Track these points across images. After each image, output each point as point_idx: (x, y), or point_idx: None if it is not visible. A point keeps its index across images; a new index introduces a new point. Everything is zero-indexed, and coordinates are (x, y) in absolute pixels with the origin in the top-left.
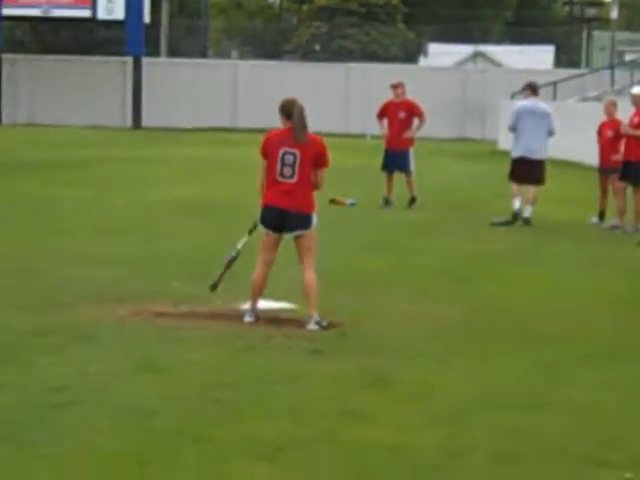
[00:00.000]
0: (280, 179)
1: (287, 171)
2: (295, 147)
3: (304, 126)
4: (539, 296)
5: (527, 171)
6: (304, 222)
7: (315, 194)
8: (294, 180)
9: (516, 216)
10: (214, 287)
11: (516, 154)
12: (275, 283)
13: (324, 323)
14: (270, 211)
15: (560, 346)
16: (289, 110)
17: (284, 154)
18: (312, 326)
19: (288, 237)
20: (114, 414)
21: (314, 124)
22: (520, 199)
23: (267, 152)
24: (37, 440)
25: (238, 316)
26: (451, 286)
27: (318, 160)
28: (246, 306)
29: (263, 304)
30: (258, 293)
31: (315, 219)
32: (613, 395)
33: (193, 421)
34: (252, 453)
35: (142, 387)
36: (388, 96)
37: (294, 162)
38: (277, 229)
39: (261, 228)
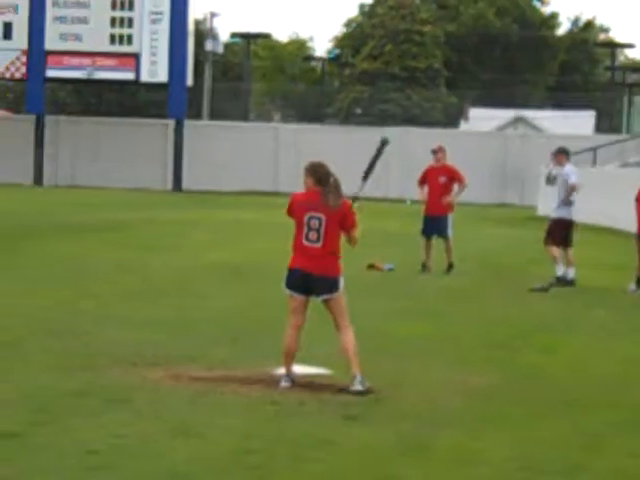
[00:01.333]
0: (306, 243)
1: (312, 235)
2: (320, 211)
3: (340, 194)
4: (578, 363)
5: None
6: (330, 286)
7: (351, 258)
8: (319, 244)
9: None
10: None
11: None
12: (310, 348)
13: (367, 384)
14: (294, 274)
15: (599, 413)
16: (322, 176)
17: (310, 218)
18: (357, 387)
19: (318, 302)
20: (146, 479)
21: (354, 188)
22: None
23: (293, 215)
24: None
25: (272, 381)
26: (489, 353)
27: (344, 223)
28: (281, 371)
29: (298, 369)
30: (291, 358)
31: (342, 282)
32: None
33: None
34: None
35: (175, 452)
36: (428, 160)
37: (319, 226)
38: (302, 291)
39: (286, 291)
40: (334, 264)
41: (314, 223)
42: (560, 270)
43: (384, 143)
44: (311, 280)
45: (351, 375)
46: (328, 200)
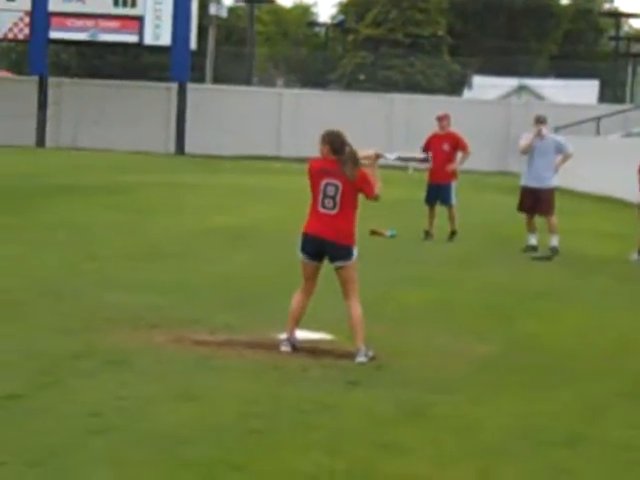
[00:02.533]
0: (322, 210)
1: (328, 202)
2: (337, 178)
3: (357, 164)
4: (579, 333)
5: None
6: (344, 254)
7: (356, 225)
8: (335, 211)
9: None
10: None
11: None
12: (314, 313)
13: (371, 354)
14: (309, 239)
15: (599, 383)
16: (338, 145)
17: (326, 185)
18: (361, 358)
19: (329, 268)
20: (148, 442)
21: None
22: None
23: (311, 181)
24: (70, 466)
25: (276, 345)
26: (489, 321)
27: (362, 189)
28: (283, 336)
29: (301, 334)
30: (295, 322)
31: (356, 252)
32: None
33: (227, 451)
34: None
35: (177, 415)
36: (431, 127)
37: (335, 194)
38: (316, 257)
39: (300, 256)
40: (349, 232)
41: (330, 190)
42: (557, 239)
43: (425, 159)
44: (325, 246)
45: (355, 347)
46: (345, 171)
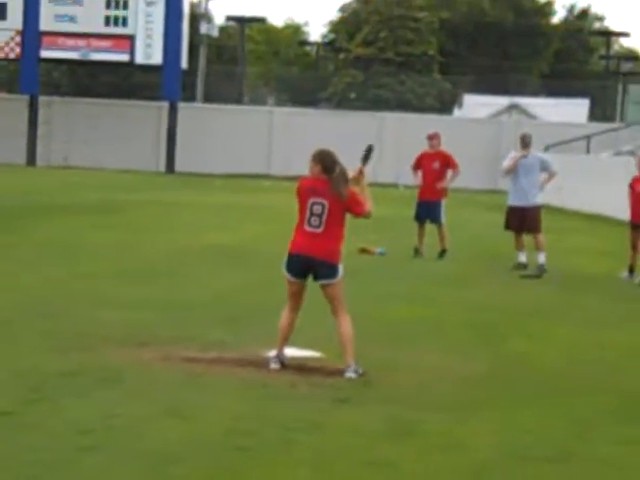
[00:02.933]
0: (308, 228)
1: (315, 220)
2: (325, 197)
3: (347, 182)
4: (567, 350)
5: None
6: (329, 272)
7: (343, 243)
8: (321, 230)
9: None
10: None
11: None
12: (303, 329)
13: (360, 371)
14: (294, 258)
15: (587, 400)
16: (329, 165)
17: (313, 204)
18: (350, 374)
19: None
20: (137, 459)
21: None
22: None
23: (299, 199)
24: None
25: (265, 363)
26: (478, 339)
27: (350, 209)
28: (272, 353)
29: (290, 352)
30: (284, 340)
31: (341, 270)
32: (638, 451)
33: (215, 468)
34: None
35: (166, 432)
36: (421, 146)
37: (322, 212)
38: (301, 275)
39: (285, 274)
40: (334, 250)
41: (317, 209)
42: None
43: (370, 150)
44: (311, 264)
45: (345, 364)
46: (337, 190)
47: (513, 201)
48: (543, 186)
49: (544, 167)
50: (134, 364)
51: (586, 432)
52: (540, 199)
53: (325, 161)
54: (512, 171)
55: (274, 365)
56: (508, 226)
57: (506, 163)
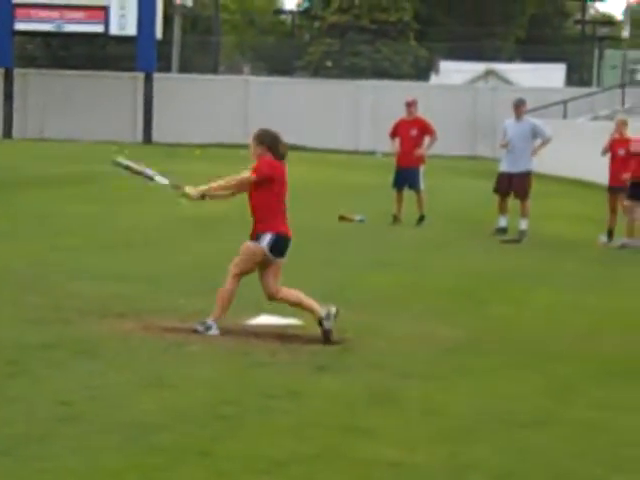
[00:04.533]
0: (283, 208)
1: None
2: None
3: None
4: (548, 315)
5: None
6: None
7: (322, 210)
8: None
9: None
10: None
11: None
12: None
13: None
14: (287, 242)
15: (568, 365)
16: (273, 143)
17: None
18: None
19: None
20: (118, 429)
21: (324, 141)
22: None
23: (276, 179)
24: (39, 455)
25: (245, 332)
26: (459, 305)
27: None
28: (253, 321)
29: (270, 319)
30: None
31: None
32: (620, 415)
33: (196, 437)
34: (255, 469)
35: (147, 402)
36: (398, 113)
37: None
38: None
39: (269, 255)
40: None
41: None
42: (526, 222)
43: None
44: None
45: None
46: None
47: (504, 167)
48: (536, 152)
49: (537, 132)
50: (113, 335)
51: (566, 396)
52: (532, 166)
53: (271, 140)
54: (506, 147)
55: (216, 331)
56: (497, 189)
57: (502, 142)
